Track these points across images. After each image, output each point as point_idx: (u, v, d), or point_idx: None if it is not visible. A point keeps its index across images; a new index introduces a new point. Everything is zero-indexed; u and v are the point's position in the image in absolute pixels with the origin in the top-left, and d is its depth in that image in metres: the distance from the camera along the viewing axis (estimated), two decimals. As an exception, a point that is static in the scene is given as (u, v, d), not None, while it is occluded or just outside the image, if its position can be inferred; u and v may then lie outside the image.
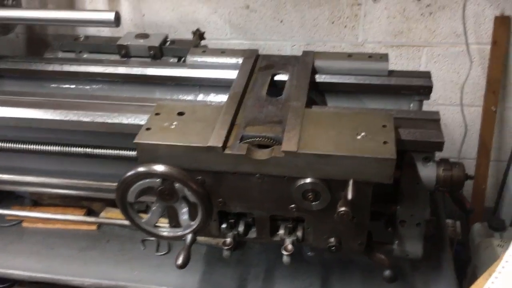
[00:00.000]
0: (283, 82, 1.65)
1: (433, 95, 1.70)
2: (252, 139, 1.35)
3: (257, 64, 1.74)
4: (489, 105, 2.50)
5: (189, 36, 2.26)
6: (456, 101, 2.58)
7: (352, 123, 1.36)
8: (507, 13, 2.31)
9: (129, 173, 1.31)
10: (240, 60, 1.75)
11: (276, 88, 1.65)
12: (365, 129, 1.33)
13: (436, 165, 1.43)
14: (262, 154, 1.31)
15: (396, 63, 2.52)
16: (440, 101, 2.59)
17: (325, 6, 2.45)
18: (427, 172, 1.43)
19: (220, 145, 1.29)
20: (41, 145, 1.64)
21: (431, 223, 1.58)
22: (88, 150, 1.60)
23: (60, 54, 2.05)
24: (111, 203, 2.00)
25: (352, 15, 2.45)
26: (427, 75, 1.69)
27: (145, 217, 1.45)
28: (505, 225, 2.49)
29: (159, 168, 1.30)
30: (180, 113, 1.43)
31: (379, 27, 2.47)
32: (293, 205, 1.38)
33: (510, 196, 2.66)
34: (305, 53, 1.78)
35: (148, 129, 1.37)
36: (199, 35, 2.17)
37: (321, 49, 2.51)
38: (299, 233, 1.47)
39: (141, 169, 1.30)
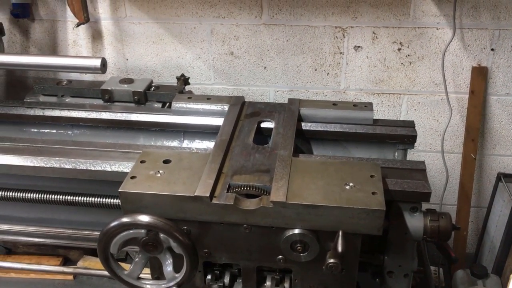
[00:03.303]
0: (270, 129, 1.65)
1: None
2: (240, 189, 1.33)
3: (243, 111, 1.74)
4: (469, 153, 2.55)
5: (172, 81, 2.27)
6: (437, 148, 2.62)
7: (340, 173, 1.36)
8: (484, 64, 2.39)
9: (113, 224, 1.26)
10: (226, 107, 1.75)
11: (262, 136, 1.65)
12: (353, 179, 1.33)
13: (423, 215, 1.43)
14: (250, 204, 1.28)
15: (378, 110, 2.56)
16: (420, 148, 2.63)
17: (308, 54, 2.50)
18: (415, 222, 1.42)
19: (208, 194, 1.27)
20: (19, 192, 1.58)
21: (418, 273, 1.57)
22: (69, 197, 1.55)
23: (42, 98, 2.02)
24: (89, 251, 1.93)
25: (334, 63, 2.50)
26: (411, 124, 1.72)
27: (126, 268, 1.39)
28: (487, 272, 2.48)
29: (144, 218, 1.26)
30: (166, 161, 1.41)
31: (361, 75, 2.52)
32: (280, 256, 1.35)
33: (491, 242, 2.67)
34: (291, 100, 1.79)
35: (133, 177, 1.33)
36: (184, 80, 2.18)
37: (304, 95, 2.56)
38: (286, 285, 1.43)
39: (125, 219, 1.26)
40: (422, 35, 2.37)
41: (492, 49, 2.36)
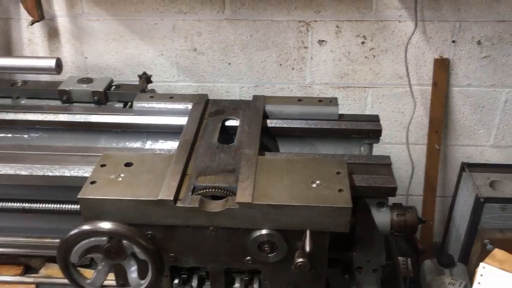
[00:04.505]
0: (235, 128, 1.62)
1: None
2: (205, 190, 1.30)
3: (207, 110, 1.71)
4: (433, 144, 2.58)
5: (134, 79, 2.21)
6: (402, 140, 2.65)
7: (306, 171, 1.34)
8: (446, 56, 2.42)
9: (72, 232, 1.21)
10: (189, 106, 1.71)
11: (227, 134, 1.62)
12: (319, 176, 1.31)
13: (390, 210, 1.43)
14: (215, 206, 1.25)
15: (343, 103, 2.56)
16: (386, 140, 2.65)
17: (273, 49, 2.47)
18: (382, 217, 1.42)
19: (171, 198, 1.23)
20: (-28, 200, 1.50)
21: (387, 266, 1.57)
22: (26, 205, 1.48)
23: (-5, 101, 1.93)
24: (52, 259, 1.86)
25: (299, 57, 2.49)
26: (375, 118, 1.72)
27: (89, 276, 1.34)
28: (454, 261, 2.54)
29: (106, 225, 1.21)
30: (128, 164, 1.36)
31: (326, 69, 2.51)
32: (248, 257, 1.32)
33: (456, 231, 2.73)
34: (256, 97, 1.76)
35: (93, 182, 1.28)
36: (146, 78, 2.12)
37: (269, 91, 2.53)
38: (255, 286, 1.41)
39: (85, 227, 1.21)
40: (385, 28, 2.38)
41: (454, 41, 2.39)
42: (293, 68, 2.52)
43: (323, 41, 2.44)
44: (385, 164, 1.47)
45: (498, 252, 1.27)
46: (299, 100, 1.75)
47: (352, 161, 1.48)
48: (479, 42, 2.38)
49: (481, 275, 1.24)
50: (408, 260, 2.69)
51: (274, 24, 2.42)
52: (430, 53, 2.43)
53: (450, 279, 2.30)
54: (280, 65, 2.52)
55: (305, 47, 2.46)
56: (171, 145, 1.69)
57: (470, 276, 2.44)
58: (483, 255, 2.37)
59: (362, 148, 1.72)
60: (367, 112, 2.59)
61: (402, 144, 2.66)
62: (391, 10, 2.34)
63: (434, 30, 2.37)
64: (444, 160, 2.71)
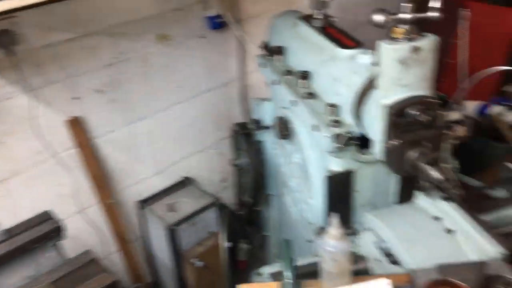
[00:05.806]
0: None
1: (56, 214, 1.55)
2: None
3: None
4: (105, 199, 2.52)
5: None
6: (77, 209, 2.48)
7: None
8: (76, 114, 2.34)
9: None
10: None
11: None
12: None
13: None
14: None
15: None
16: (63, 217, 2.39)
17: None
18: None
19: None
20: None
21: None
22: None
23: None
24: None
25: None
26: (47, 216, 1.53)
27: None
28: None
29: None
30: None
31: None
32: None
33: (162, 266, 2.79)
34: None
35: None
36: None
37: None
38: None
39: None
40: (1, 110, 2.11)
41: (76, 98, 2.32)
42: None
43: None
44: (90, 261, 1.33)
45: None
46: None
47: (57, 275, 1.27)
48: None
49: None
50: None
51: None
52: (59, 117, 2.28)
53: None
54: None
55: None
56: None
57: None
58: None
59: (50, 253, 1.50)
60: (27, 201, 2.28)
61: (79, 213, 2.49)
62: (-3, 90, 2.08)
63: (53, 94, 2.23)
64: (122, 207, 2.69)
